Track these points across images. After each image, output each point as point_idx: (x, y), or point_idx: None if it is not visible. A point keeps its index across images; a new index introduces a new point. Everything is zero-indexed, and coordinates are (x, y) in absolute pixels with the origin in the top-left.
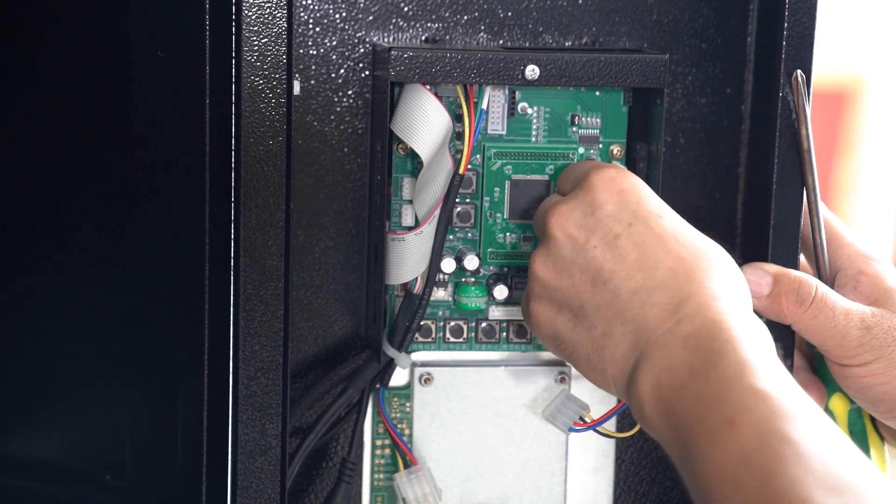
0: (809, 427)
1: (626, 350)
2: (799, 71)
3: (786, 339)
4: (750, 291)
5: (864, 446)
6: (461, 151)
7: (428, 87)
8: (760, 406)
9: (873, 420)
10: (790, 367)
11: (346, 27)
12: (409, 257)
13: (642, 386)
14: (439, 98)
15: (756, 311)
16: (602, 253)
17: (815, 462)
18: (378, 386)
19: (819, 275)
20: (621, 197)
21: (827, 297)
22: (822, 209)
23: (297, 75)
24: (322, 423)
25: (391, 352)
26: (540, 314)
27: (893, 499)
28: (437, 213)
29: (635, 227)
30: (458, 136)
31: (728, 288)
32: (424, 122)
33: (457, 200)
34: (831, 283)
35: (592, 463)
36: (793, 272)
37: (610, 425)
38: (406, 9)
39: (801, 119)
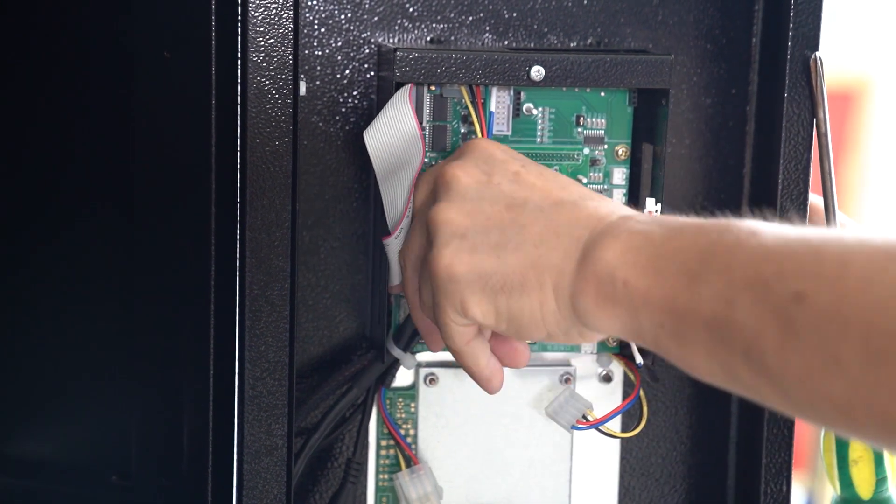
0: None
1: (565, 251)
2: (817, 53)
3: None
4: None
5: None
6: None
7: (412, 107)
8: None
9: None
10: None
11: (352, 28)
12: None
13: (609, 256)
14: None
15: None
16: (508, 185)
17: None
18: (382, 387)
19: None
20: (500, 149)
21: None
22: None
23: (302, 76)
24: (326, 424)
25: (396, 352)
26: (458, 263)
27: None
28: (407, 214)
29: (530, 166)
30: (466, 138)
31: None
32: (398, 147)
33: None
34: None
35: (597, 463)
36: None
37: (614, 425)
38: (411, 10)
39: (819, 102)
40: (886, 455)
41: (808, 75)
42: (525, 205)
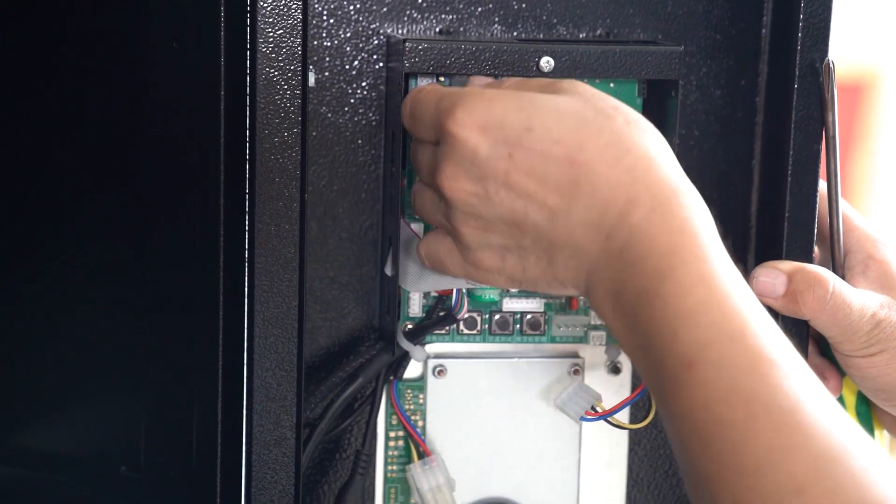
0: (787, 374)
1: (574, 273)
2: (830, 57)
3: (801, 332)
4: (765, 292)
5: (869, 428)
6: None
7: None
8: (724, 342)
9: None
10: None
11: (361, 18)
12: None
13: (603, 305)
14: None
15: (773, 310)
16: (505, 195)
17: (794, 426)
18: (392, 378)
19: (833, 261)
20: (485, 134)
21: (843, 293)
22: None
23: (311, 67)
24: (331, 413)
25: (406, 344)
26: (488, 264)
27: (881, 467)
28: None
29: (516, 156)
30: None
31: (629, 165)
32: None
33: None
34: (843, 266)
35: (606, 455)
36: (807, 267)
37: (623, 416)
38: (420, 0)
39: (829, 106)
40: (877, 435)
41: (819, 78)
42: (526, 220)
